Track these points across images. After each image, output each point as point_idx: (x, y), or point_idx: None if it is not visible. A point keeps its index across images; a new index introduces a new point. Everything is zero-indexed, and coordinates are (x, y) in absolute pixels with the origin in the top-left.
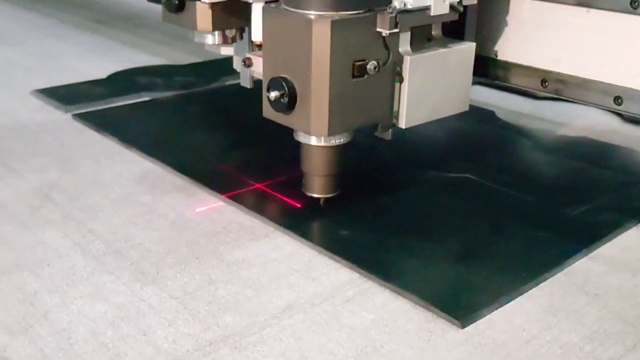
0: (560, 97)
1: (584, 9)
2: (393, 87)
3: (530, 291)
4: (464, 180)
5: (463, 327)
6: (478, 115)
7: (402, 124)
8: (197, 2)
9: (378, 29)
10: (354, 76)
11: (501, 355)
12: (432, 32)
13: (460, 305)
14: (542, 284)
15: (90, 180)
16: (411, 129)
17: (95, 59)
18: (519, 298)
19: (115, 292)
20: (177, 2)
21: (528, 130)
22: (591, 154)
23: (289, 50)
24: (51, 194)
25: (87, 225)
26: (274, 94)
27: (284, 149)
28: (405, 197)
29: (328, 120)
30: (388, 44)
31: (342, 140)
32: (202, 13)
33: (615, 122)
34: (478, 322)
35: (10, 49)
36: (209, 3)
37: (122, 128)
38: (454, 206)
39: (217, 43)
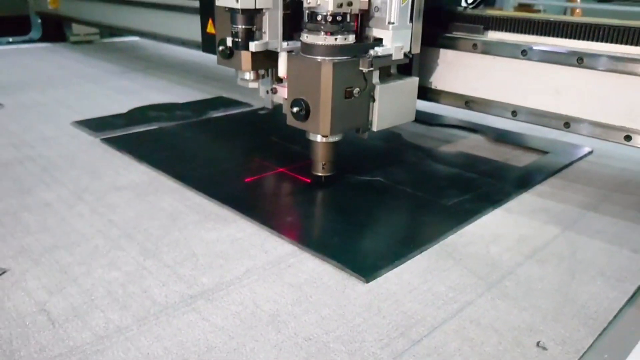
0: (449, 124)
1: (489, 56)
2: (369, 105)
3: (415, 257)
4: (375, 182)
5: (367, 282)
6: (389, 137)
7: (375, 128)
8: (243, 51)
9: (360, 68)
10: (345, 97)
11: (392, 300)
12: (391, 70)
13: (366, 267)
14: (423, 252)
15: (112, 185)
16: (338, 152)
17: (119, 99)
18: (407, 262)
19: (125, 263)
20: (229, 52)
21: (422, 147)
22: (464, 163)
23: (305, 81)
24: (83, 196)
25: (108, 217)
26: (295, 109)
27: (247, 161)
28: (334, 194)
29: (330, 126)
30: (366, 77)
31: (337, 138)
32: (246, 58)
33: (482, 141)
34: (378, 278)
35: (57, 91)
36: (251, 52)
37: (136, 148)
38: (368, 199)
39: (251, 79)
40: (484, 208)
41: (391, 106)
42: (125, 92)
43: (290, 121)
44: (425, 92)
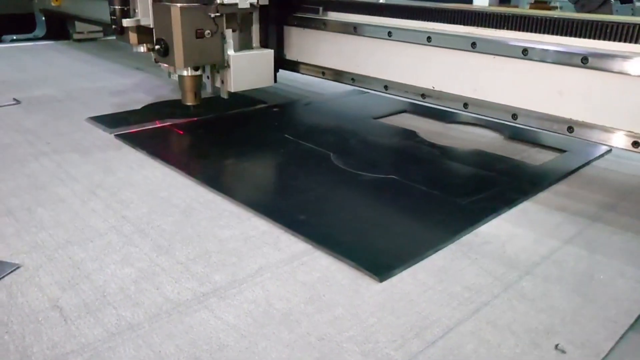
0: (464, 122)
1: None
2: (222, 45)
3: (430, 256)
4: (389, 180)
5: (381, 281)
6: (403, 134)
7: (232, 89)
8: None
9: (209, 13)
10: (197, 37)
11: (406, 300)
12: (253, 44)
13: (380, 266)
14: (438, 251)
15: (125, 181)
16: (354, 144)
17: (133, 95)
18: (421, 261)
19: (138, 259)
20: (119, 29)
21: (438, 145)
22: (480, 161)
23: (163, 23)
24: (97, 191)
25: (121, 213)
26: (157, 47)
27: (261, 157)
28: (347, 191)
29: (183, 60)
30: (216, 22)
31: (193, 72)
32: (132, 34)
33: (498, 139)
34: (392, 278)
35: (71, 87)
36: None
37: (150, 144)
38: (382, 197)
39: (144, 51)
40: (500, 207)
41: (246, 72)
42: (138, 89)
43: (156, 58)
44: (286, 64)
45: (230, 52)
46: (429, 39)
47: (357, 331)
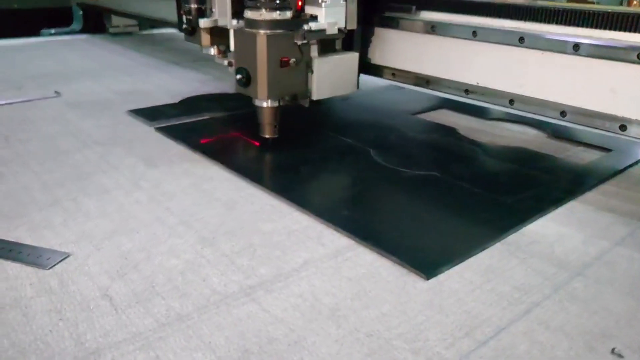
0: (502, 119)
1: (432, 35)
2: (306, 75)
3: (477, 255)
4: (431, 177)
5: (428, 279)
6: (443, 131)
7: (314, 96)
8: (202, 28)
9: (295, 41)
10: (281, 66)
11: (454, 299)
12: (336, 47)
13: (426, 264)
14: (485, 250)
15: (168, 174)
16: (393, 140)
17: (172, 89)
18: (469, 259)
19: (184, 251)
20: (190, 29)
21: (479, 142)
22: (523, 159)
23: (246, 52)
24: (140, 183)
25: (165, 204)
26: (239, 76)
27: (300, 153)
28: (389, 187)
29: (267, 91)
30: (302, 50)
31: (275, 104)
32: (205, 35)
33: (542, 137)
34: (439, 275)
35: (110, 81)
36: (209, 29)
37: (190, 137)
38: (424, 194)
39: (215, 54)
40: (546, 206)
41: (329, 78)
42: (178, 82)
43: (237, 88)
44: (369, 67)
45: (314, 54)
46: (474, 33)
47: (405, 328)
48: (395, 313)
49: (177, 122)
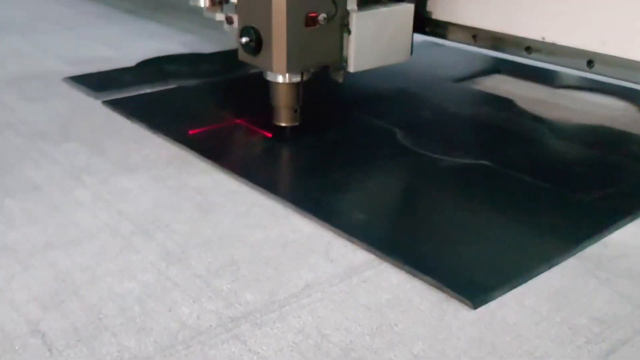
0: (579, 86)
1: None
2: (342, 36)
3: (542, 274)
4: (479, 166)
5: (475, 307)
6: (496, 103)
7: (352, 68)
8: None
9: None
10: (307, 25)
11: (512, 335)
12: None
13: (472, 286)
14: (554, 267)
15: (119, 164)
16: (428, 117)
17: (125, 47)
18: (530, 280)
19: (143, 270)
20: None
21: (545, 118)
22: (607, 142)
23: (256, 4)
24: (82, 177)
25: (116, 206)
26: (244, 39)
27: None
28: (421, 181)
29: (286, 60)
30: (336, 1)
31: (299, 78)
32: None
33: (632, 110)
34: (490, 303)
35: (43, 37)
36: None
37: (150, 114)
38: (469, 191)
39: (207, 6)
40: (637, 207)
41: (374, 40)
42: (133, 38)
43: (241, 56)
44: (425, 24)
45: (352, 6)
46: None
47: None
48: (431, 354)
49: (133, 93)
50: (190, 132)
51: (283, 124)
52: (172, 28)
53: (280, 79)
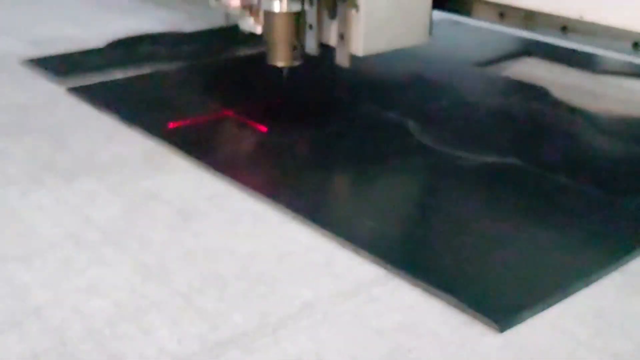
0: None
1: None
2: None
3: (579, 292)
4: (506, 166)
5: (502, 331)
6: (528, 92)
7: (360, 51)
8: None
9: None
10: None
11: None
12: None
13: (498, 306)
14: (593, 284)
15: (86, 161)
16: (447, 108)
17: (94, 24)
18: (566, 299)
19: (114, 287)
20: None
21: (584, 109)
22: None
23: None
24: (42, 177)
25: (83, 212)
26: None
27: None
28: (439, 184)
29: None
30: None
31: (293, 6)
32: None
33: None
34: (519, 326)
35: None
36: None
37: (122, 104)
38: (495, 194)
39: None
40: None
41: (386, 18)
42: (103, 13)
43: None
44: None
45: None
46: None
47: None
48: None
49: (103, 79)
50: (169, 125)
51: (280, 64)
52: (147, 2)
53: (276, 6)
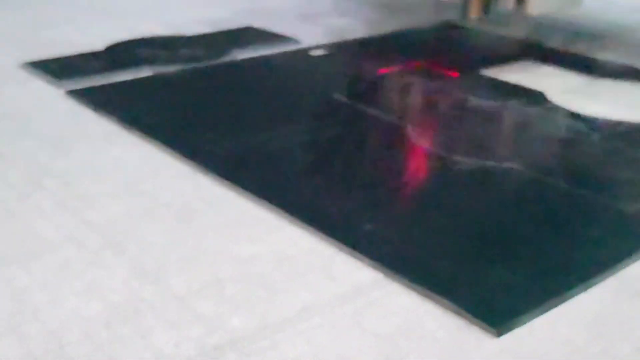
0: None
1: None
2: None
3: (577, 296)
4: (505, 171)
5: (499, 335)
6: (525, 95)
7: (534, 9)
8: None
9: None
10: None
11: None
12: None
13: (496, 311)
14: (591, 289)
15: (86, 165)
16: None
17: (93, 26)
18: (564, 304)
19: (112, 290)
20: None
21: (582, 115)
22: None
23: None
24: (42, 181)
25: (82, 215)
26: None
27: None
28: (437, 187)
29: None
30: None
31: None
32: None
33: None
34: (517, 330)
35: None
36: None
37: (122, 107)
38: (494, 199)
39: None
40: None
41: None
42: (103, 15)
43: None
44: None
45: None
46: None
47: None
48: None
49: (102, 82)
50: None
51: (473, 15)
52: (146, 5)
53: None
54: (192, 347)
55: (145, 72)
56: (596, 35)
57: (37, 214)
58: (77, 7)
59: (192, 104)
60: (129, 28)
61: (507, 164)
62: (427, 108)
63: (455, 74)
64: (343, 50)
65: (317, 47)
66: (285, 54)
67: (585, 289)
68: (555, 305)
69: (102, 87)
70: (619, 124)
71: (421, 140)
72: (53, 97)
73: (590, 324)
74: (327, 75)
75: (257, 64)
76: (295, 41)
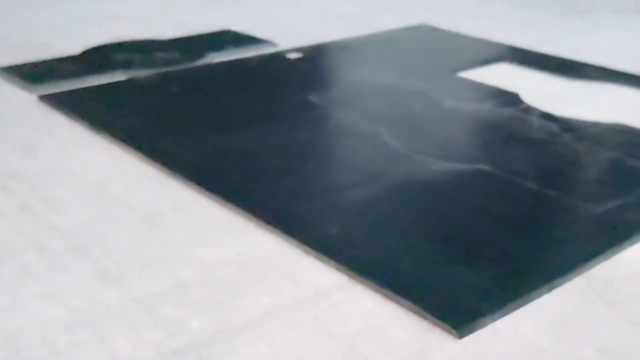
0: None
1: None
2: None
3: (541, 298)
4: (476, 172)
5: (461, 337)
6: (498, 97)
7: None
8: None
9: None
10: None
11: None
12: None
13: (458, 312)
14: (555, 290)
15: (54, 168)
16: (420, 114)
17: (68, 29)
18: (527, 305)
19: (74, 294)
20: None
21: (556, 115)
22: (628, 144)
23: None
24: (8, 184)
25: (46, 218)
26: None
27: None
28: (408, 188)
29: None
30: None
31: None
32: None
33: None
34: (479, 331)
35: None
36: None
37: (94, 111)
38: (461, 200)
39: None
40: None
41: None
42: (78, 18)
43: None
44: None
45: None
46: None
47: None
48: None
49: (76, 87)
50: None
51: None
52: (123, 8)
53: None
54: (150, 351)
55: (120, 76)
56: None
57: (1, 218)
58: (56, 11)
59: (165, 108)
60: (108, 32)
61: (477, 166)
62: (401, 110)
63: None
64: (319, 54)
65: (294, 50)
66: (261, 57)
67: (550, 290)
68: (519, 307)
69: (75, 91)
70: (594, 125)
71: (393, 142)
72: (25, 102)
73: (554, 325)
74: (302, 78)
75: (232, 67)
76: (272, 44)
